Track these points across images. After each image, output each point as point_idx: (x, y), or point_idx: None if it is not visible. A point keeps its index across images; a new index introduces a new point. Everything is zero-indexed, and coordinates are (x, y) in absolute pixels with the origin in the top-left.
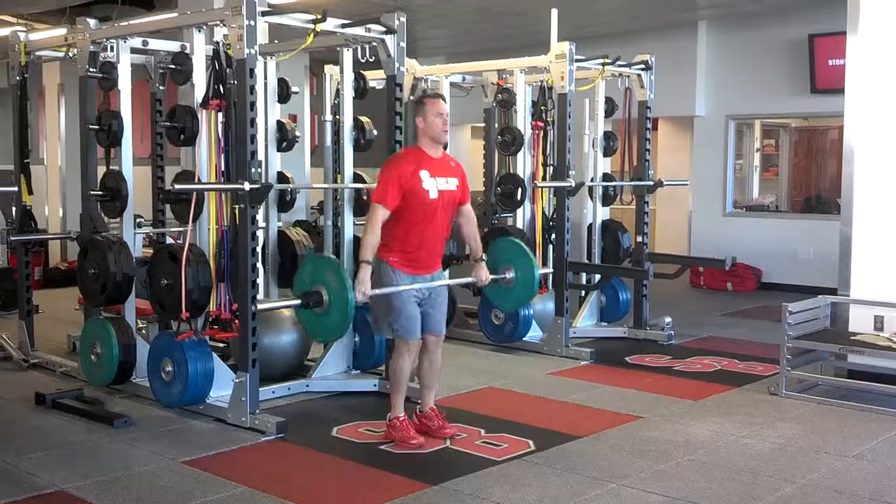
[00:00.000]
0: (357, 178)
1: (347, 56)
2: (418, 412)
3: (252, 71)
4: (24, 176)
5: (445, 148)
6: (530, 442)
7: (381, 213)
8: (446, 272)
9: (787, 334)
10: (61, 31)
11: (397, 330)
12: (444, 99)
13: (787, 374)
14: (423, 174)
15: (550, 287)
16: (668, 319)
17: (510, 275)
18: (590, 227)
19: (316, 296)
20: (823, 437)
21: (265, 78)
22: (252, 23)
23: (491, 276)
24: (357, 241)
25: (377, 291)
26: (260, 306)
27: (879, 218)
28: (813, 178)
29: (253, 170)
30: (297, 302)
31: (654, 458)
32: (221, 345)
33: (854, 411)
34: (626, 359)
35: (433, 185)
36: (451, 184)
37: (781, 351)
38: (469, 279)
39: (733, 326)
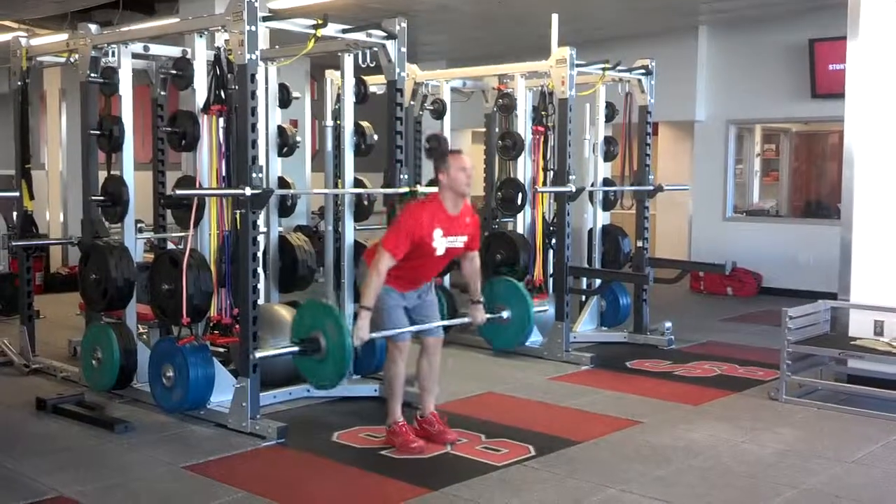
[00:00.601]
0: (358, 183)
1: (348, 61)
2: (419, 417)
3: (253, 76)
4: (25, 181)
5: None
6: (531, 447)
7: (388, 262)
8: (432, 286)
9: (787, 339)
10: (63, 37)
11: (391, 335)
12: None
13: (787, 379)
14: (437, 233)
15: (551, 292)
16: (668, 324)
17: (506, 314)
18: (590, 232)
19: (313, 342)
20: (823, 441)
21: (266, 83)
22: (253, 28)
23: (486, 316)
24: (358, 246)
25: (374, 335)
26: (258, 354)
27: (879, 223)
28: (813, 183)
29: (254, 175)
30: (295, 349)
31: (654, 463)
32: (222, 350)
33: (854, 416)
34: (627, 364)
35: (442, 244)
36: (459, 242)
37: (781, 356)
38: (465, 320)
39: (733, 331)
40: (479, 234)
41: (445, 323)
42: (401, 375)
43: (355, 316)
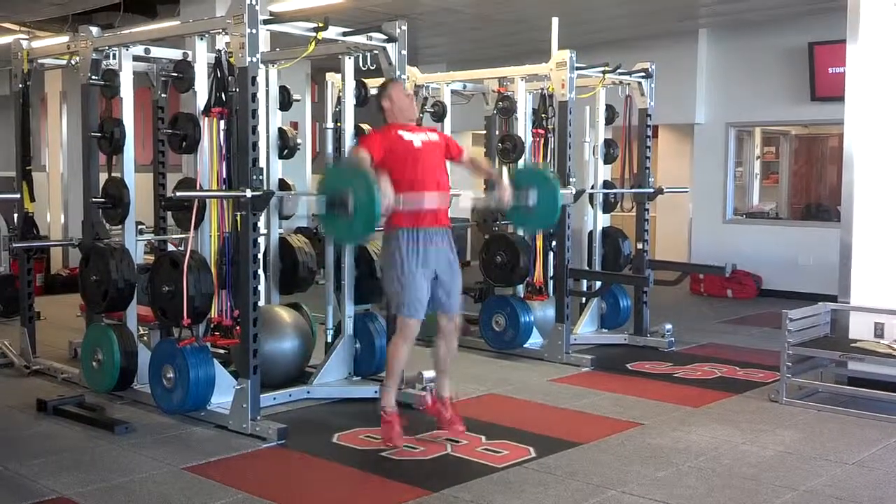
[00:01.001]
0: None
1: (349, 64)
2: (436, 395)
3: (254, 79)
4: (26, 183)
5: None
6: (531, 449)
7: (363, 153)
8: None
9: (788, 341)
10: (64, 39)
11: (402, 306)
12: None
13: (787, 381)
14: (402, 132)
15: (551, 294)
16: (668, 326)
17: (532, 198)
18: (590, 235)
19: (341, 201)
20: (824, 444)
21: (267, 86)
22: (254, 31)
23: (513, 202)
24: (358, 248)
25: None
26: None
27: (879, 225)
28: (813, 186)
29: (254, 177)
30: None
31: (654, 465)
32: (222, 351)
33: (854, 418)
34: (627, 366)
35: (415, 137)
36: (432, 136)
37: (782, 358)
38: (492, 199)
39: (733, 333)
40: (454, 142)
41: (474, 200)
42: (402, 354)
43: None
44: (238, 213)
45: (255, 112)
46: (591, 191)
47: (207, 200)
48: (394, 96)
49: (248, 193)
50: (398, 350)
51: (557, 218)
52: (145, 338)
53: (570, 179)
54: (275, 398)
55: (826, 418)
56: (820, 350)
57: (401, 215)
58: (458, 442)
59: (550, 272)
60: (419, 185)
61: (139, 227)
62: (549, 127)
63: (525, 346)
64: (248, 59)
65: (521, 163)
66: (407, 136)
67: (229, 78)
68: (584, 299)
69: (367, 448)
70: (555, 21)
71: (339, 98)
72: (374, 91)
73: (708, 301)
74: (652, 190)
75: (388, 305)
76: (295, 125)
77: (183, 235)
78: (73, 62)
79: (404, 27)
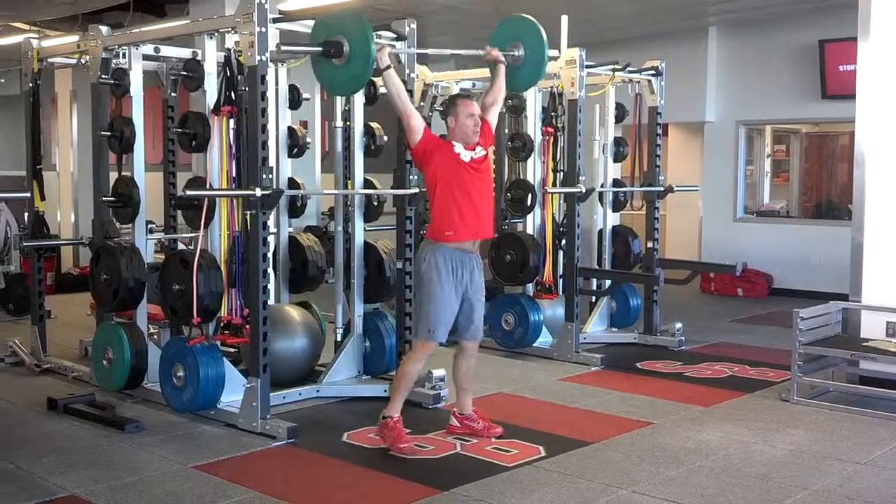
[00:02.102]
0: (367, 183)
1: None
2: (459, 414)
3: (263, 77)
4: (36, 182)
5: None
6: (541, 448)
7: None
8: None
9: (799, 340)
10: (73, 38)
11: (429, 328)
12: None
13: (798, 381)
14: (455, 146)
15: (561, 293)
16: (678, 325)
17: (518, 52)
18: (600, 233)
19: (336, 45)
20: (835, 443)
21: (276, 84)
22: (263, 29)
23: (500, 54)
24: (367, 247)
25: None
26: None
27: (891, 223)
28: (824, 184)
29: (264, 176)
30: (318, 49)
31: (665, 464)
32: (232, 350)
33: (866, 418)
34: (637, 365)
35: (466, 153)
36: (479, 152)
37: (793, 357)
38: (479, 52)
39: (744, 332)
40: (490, 129)
41: (459, 52)
42: (415, 374)
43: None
44: (248, 212)
45: (264, 111)
46: (601, 189)
47: (217, 199)
48: (460, 118)
49: (258, 192)
50: (413, 369)
51: (544, 72)
52: (155, 336)
53: (580, 178)
54: (284, 397)
55: (837, 418)
56: (831, 349)
57: (448, 231)
58: (467, 441)
59: (560, 271)
60: (468, 209)
61: (149, 225)
62: (559, 125)
63: (535, 344)
64: (258, 57)
65: (507, 18)
66: (457, 148)
67: (239, 77)
68: (593, 298)
69: (376, 447)
70: (564, 19)
71: (348, 97)
72: (383, 90)
73: (718, 300)
74: (662, 188)
75: (418, 326)
76: (304, 124)
77: (193, 234)
78: (83, 61)
79: (413, 25)
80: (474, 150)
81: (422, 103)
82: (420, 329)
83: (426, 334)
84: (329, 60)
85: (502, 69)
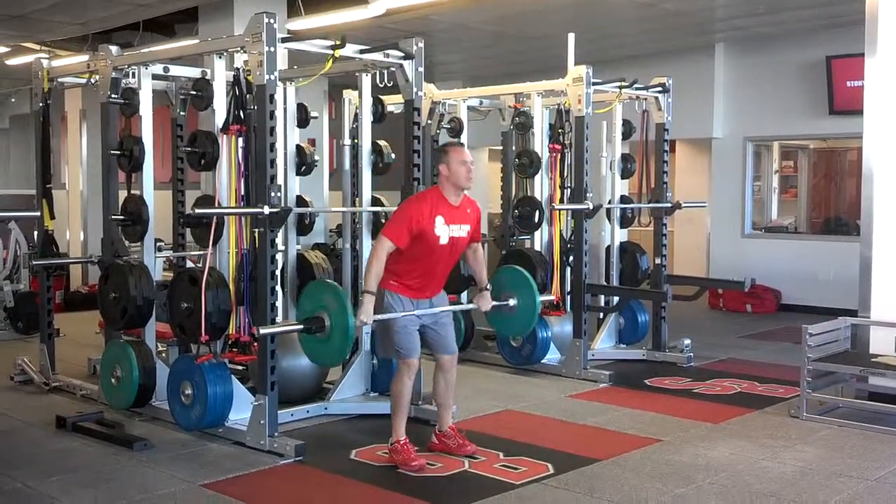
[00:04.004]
0: (375, 201)
1: (366, 81)
2: (437, 431)
3: (272, 96)
4: (46, 201)
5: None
6: (549, 465)
7: (387, 247)
8: (446, 297)
9: (808, 356)
10: (83, 58)
11: (397, 350)
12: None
13: (807, 397)
14: (438, 220)
15: (569, 309)
16: (687, 341)
17: (512, 302)
18: (608, 250)
19: (318, 321)
20: (845, 460)
21: (285, 103)
22: (272, 49)
23: (493, 303)
24: None
25: (378, 317)
26: (262, 331)
27: None
28: (832, 200)
29: (272, 194)
30: (300, 327)
31: (674, 481)
32: (240, 368)
33: (876, 434)
34: (645, 381)
35: (445, 232)
36: (463, 230)
37: (802, 373)
38: (472, 306)
39: (753, 348)
40: (480, 226)
41: (452, 308)
42: (407, 392)
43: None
44: (256, 230)
45: (272, 129)
46: (609, 206)
47: (226, 217)
48: (453, 165)
49: (266, 210)
50: (404, 387)
51: (535, 322)
52: (164, 354)
53: (587, 194)
54: (292, 414)
55: (847, 434)
56: (840, 365)
57: (400, 285)
58: (476, 458)
59: (568, 287)
60: (428, 276)
61: (158, 244)
62: (566, 142)
63: (543, 361)
64: (266, 76)
65: (503, 269)
66: (439, 228)
67: (247, 96)
68: (601, 314)
69: (385, 464)
70: (571, 37)
71: (356, 115)
72: (391, 108)
73: (727, 316)
74: (669, 204)
75: (384, 349)
76: (312, 142)
77: (201, 252)
78: (92, 81)
79: (421, 44)
80: (459, 226)
81: (429, 121)
82: (390, 354)
83: (397, 354)
84: (313, 335)
85: (479, 295)
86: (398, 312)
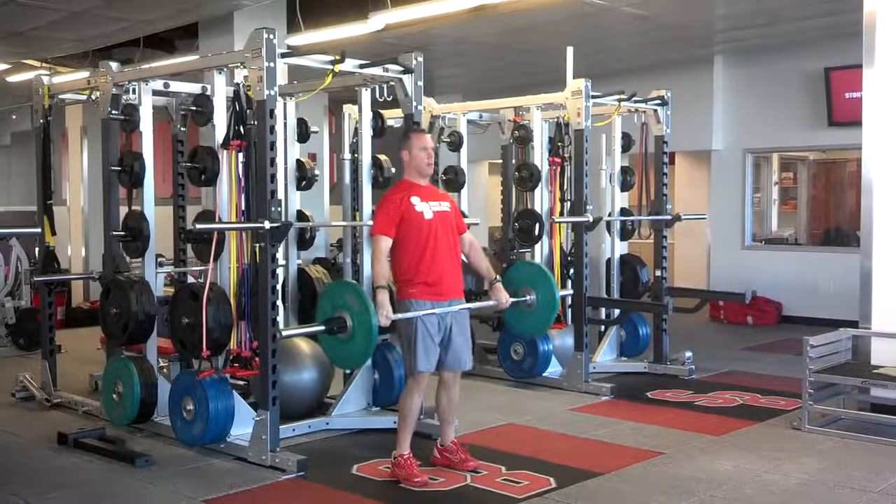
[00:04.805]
0: None
1: (366, 95)
2: (440, 446)
3: (272, 111)
4: (47, 217)
5: (463, 185)
6: (551, 479)
7: (383, 243)
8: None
9: (809, 368)
10: (84, 75)
11: (416, 363)
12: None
13: (809, 409)
14: (414, 199)
15: (570, 322)
16: (688, 354)
17: (531, 297)
18: (608, 262)
19: (339, 321)
20: (847, 471)
21: (285, 118)
22: (272, 64)
23: (511, 299)
24: None
25: (399, 316)
26: (284, 333)
27: None
28: (832, 211)
29: (273, 208)
30: (322, 328)
31: (676, 494)
32: (242, 383)
33: (879, 445)
34: (647, 394)
35: (426, 207)
36: (444, 206)
37: (803, 385)
38: (490, 303)
39: (754, 360)
40: (461, 215)
41: (473, 306)
42: (416, 407)
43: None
44: (257, 245)
45: (273, 144)
46: (609, 218)
47: (226, 232)
48: (413, 150)
49: (267, 225)
50: (413, 403)
51: (555, 317)
52: (165, 370)
53: (587, 207)
54: (294, 429)
55: (850, 446)
56: (842, 377)
57: (418, 286)
58: (478, 472)
59: (569, 300)
60: (435, 258)
61: (159, 259)
62: (566, 155)
63: (544, 374)
64: (266, 92)
65: (518, 263)
66: (419, 205)
67: (248, 111)
68: (602, 327)
69: (387, 479)
70: (570, 50)
71: (356, 129)
72: (391, 123)
73: (728, 328)
74: (669, 217)
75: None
76: (313, 157)
77: (202, 267)
78: (93, 97)
79: (420, 59)
80: (438, 202)
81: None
82: (412, 368)
83: (418, 368)
84: (334, 335)
85: (494, 290)
86: (423, 334)
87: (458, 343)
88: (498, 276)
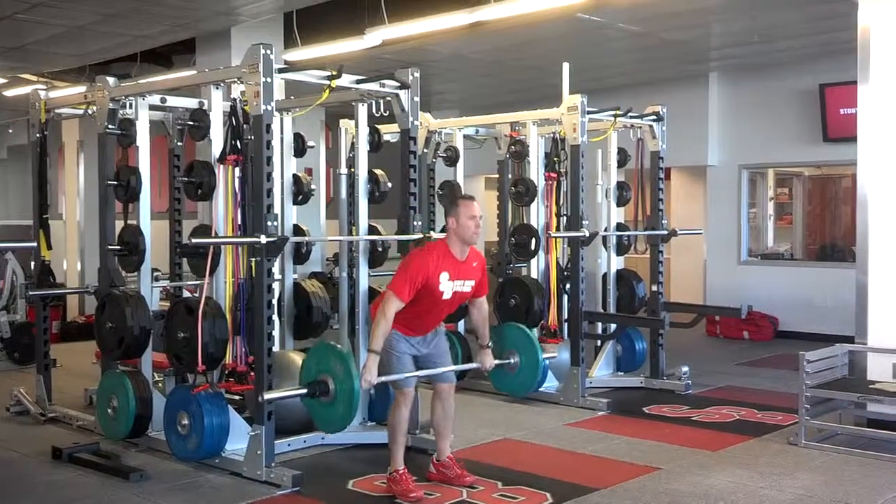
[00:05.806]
0: (372, 229)
1: (362, 110)
2: (435, 460)
3: (269, 126)
4: (42, 231)
5: None
6: (548, 495)
7: (396, 305)
8: (443, 328)
9: (806, 383)
10: (81, 89)
11: (395, 382)
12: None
13: (806, 424)
14: (443, 276)
15: (566, 337)
16: (684, 369)
17: (514, 360)
18: (604, 277)
19: (322, 385)
20: (844, 487)
21: (281, 133)
22: (269, 80)
23: (495, 362)
24: (372, 293)
25: (382, 379)
26: (267, 396)
27: (895, 265)
28: (827, 226)
29: (269, 223)
30: (303, 391)
31: None
32: (237, 397)
33: (875, 461)
34: (644, 409)
35: (449, 288)
36: (467, 286)
37: (800, 400)
38: (473, 365)
39: (751, 375)
40: (487, 279)
41: (455, 368)
42: (404, 421)
43: None
44: (253, 259)
45: (269, 159)
46: (605, 233)
47: (222, 247)
48: (461, 219)
49: (263, 239)
50: (401, 417)
51: (541, 383)
52: (160, 384)
53: (583, 222)
54: (289, 444)
55: (846, 461)
56: (838, 392)
57: (398, 325)
58: (474, 488)
59: (565, 315)
60: (427, 317)
61: (155, 273)
62: (562, 170)
63: (540, 389)
64: (263, 107)
65: (505, 326)
66: (443, 284)
67: (244, 126)
68: (599, 342)
69: (382, 494)
70: (566, 66)
71: (352, 144)
72: (387, 138)
73: (724, 343)
74: (665, 232)
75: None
76: (309, 171)
77: (198, 282)
78: (90, 111)
79: (417, 74)
80: (463, 282)
81: (425, 150)
82: (391, 383)
83: (398, 386)
84: (316, 399)
85: (481, 352)
86: (397, 353)
87: (443, 356)
88: (489, 343)
